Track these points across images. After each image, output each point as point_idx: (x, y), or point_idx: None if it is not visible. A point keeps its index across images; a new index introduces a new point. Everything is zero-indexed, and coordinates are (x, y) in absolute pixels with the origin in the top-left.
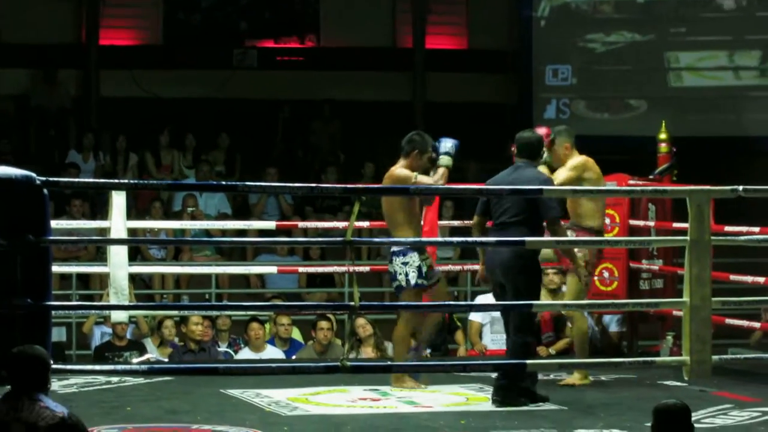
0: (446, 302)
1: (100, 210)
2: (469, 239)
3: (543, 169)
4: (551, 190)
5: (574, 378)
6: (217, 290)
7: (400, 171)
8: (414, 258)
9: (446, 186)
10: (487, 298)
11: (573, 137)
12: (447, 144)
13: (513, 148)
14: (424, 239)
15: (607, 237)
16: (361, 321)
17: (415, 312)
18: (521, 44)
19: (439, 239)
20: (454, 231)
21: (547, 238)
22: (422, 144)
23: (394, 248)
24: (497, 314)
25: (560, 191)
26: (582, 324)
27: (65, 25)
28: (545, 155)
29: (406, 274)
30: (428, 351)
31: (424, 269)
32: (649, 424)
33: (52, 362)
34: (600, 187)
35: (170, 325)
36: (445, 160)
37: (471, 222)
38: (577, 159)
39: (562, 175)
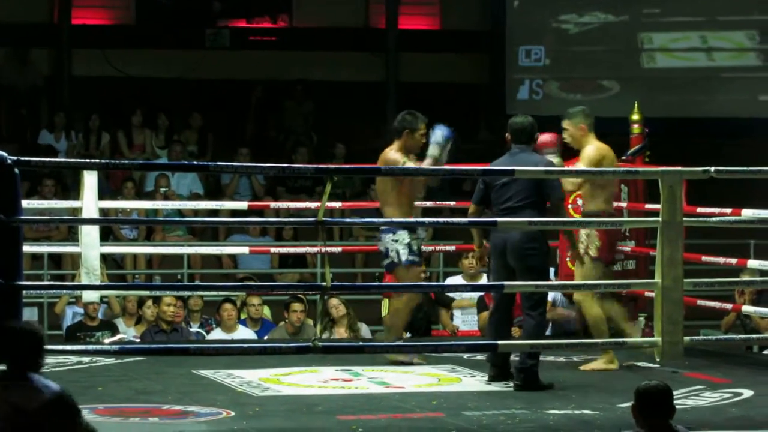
0: (419, 283)
1: (72, 190)
2: (440, 219)
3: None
4: (522, 171)
5: (599, 363)
6: (189, 270)
7: (391, 154)
8: (403, 236)
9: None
10: (457, 280)
11: (589, 118)
12: (437, 134)
13: (507, 136)
14: (396, 219)
15: (580, 218)
16: (334, 301)
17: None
18: (494, 25)
19: (411, 219)
20: (425, 212)
21: (518, 219)
22: (412, 122)
23: (384, 226)
24: (467, 296)
25: (533, 172)
26: (591, 309)
27: (37, 4)
28: (556, 159)
29: (397, 252)
30: (408, 333)
31: (415, 247)
32: (621, 405)
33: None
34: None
35: (151, 304)
36: (431, 150)
37: (445, 204)
38: (592, 151)
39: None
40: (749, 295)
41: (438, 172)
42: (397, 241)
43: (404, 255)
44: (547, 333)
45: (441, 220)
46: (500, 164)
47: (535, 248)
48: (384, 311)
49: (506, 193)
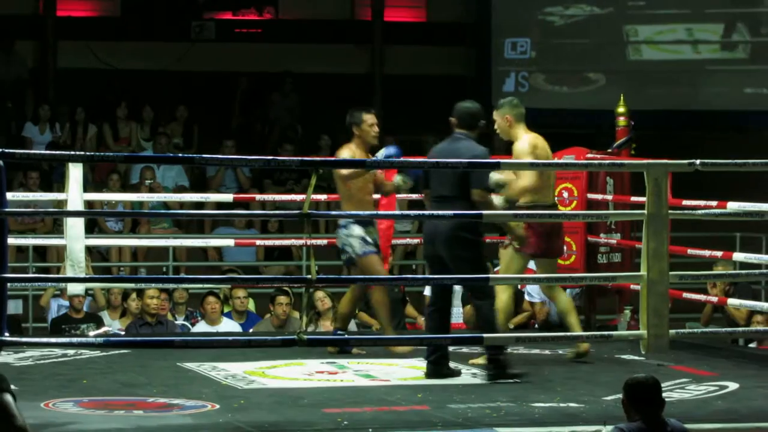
0: (404, 276)
1: (57, 182)
2: (423, 212)
3: None
4: (508, 164)
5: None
6: (175, 263)
7: (341, 152)
8: (355, 229)
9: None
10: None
11: (516, 109)
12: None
13: (452, 120)
14: (381, 212)
15: (566, 211)
16: (320, 294)
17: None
18: (480, 17)
19: (396, 212)
20: (412, 204)
21: (502, 212)
22: (355, 118)
23: (340, 221)
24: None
25: (518, 165)
26: (562, 299)
27: None
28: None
29: (351, 246)
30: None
31: (370, 238)
32: (606, 398)
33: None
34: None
35: (135, 297)
36: (396, 179)
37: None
38: (523, 141)
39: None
40: (721, 286)
41: (419, 164)
42: (349, 235)
43: (359, 247)
44: (536, 326)
45: (423, 212)
46: (441, 150)
47: (464, 237)
48: (342, 307)
49: (439, 181)
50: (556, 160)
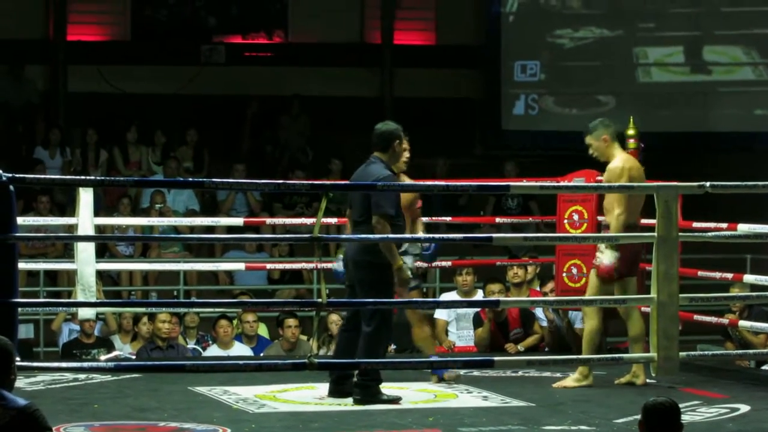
0: (413, 299)
1: (68, 206)
2: (436, 235)
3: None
4: (517, 186)
5: (570, 380)
6: (185, 287)
7: None
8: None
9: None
10: (452, 296)
11: (610, 128)
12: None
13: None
14: (394, 236)
15: (575, 233)
16: (333, 317)
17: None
18: (490, 40)
19: (407, 236)
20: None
21: (512, 235)
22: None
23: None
24: (462, 311)
25: (527, 187)
26: (635, 326)
27: (32, 20)
28: None
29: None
30: (393, 347)
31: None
32: (618, 421)
33: (17, 356)
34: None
35: (147, 321)
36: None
37: (441, 219)
38: (617, 162)
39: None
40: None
41: (432, 188)
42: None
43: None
44: (546, 349)
45: (437, 236)
46: (355, 174)
47: (368, 261)
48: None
49: (353, 206)
50: (565, 183)
